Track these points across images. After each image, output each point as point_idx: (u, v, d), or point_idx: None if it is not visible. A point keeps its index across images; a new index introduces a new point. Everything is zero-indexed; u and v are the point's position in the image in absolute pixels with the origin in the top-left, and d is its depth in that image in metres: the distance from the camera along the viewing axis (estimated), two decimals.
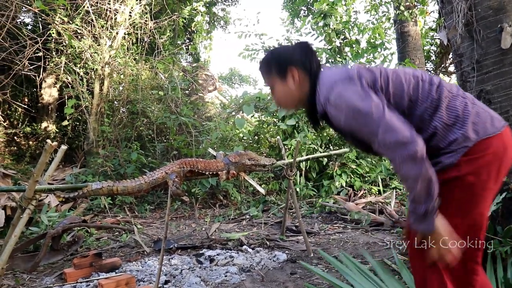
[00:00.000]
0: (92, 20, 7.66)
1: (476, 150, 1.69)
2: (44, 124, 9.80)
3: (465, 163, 1.68)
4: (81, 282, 3.50)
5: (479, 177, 1.69)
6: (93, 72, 7.89)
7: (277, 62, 1.96)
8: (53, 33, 7.40)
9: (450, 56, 12.50)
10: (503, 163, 1.72)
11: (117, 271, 3.76)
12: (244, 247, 4.45)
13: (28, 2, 6.96)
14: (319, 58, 1.98)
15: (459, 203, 1.71)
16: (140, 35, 8.32)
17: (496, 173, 1.71)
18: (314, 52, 1.98)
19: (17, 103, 8.06)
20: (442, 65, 13.45)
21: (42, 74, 7.43)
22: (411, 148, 1.59)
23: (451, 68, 13.20)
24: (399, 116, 1.67)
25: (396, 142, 1.60)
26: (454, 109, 1.75)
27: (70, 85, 7.73)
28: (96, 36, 7.81)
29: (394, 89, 1.77)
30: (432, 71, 13.79)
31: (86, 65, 7.78)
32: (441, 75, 14.07)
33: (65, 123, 8.19)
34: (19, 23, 7.96)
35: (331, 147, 7.59)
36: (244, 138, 8.54)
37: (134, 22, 8.16)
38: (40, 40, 6.73)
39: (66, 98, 7.79)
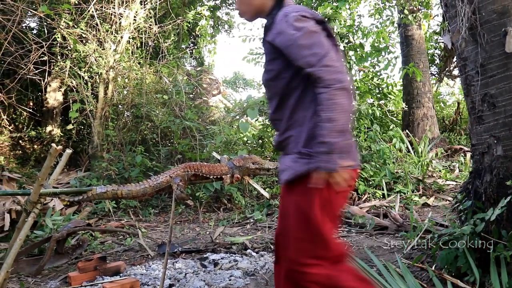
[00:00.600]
0: (97, 24, 7.70)
1: None
2: (49, 128, 9.84)
3: None
4: (85, 286, 3.51)
5: None
6: (97, 76, 7.92)
7: None
8: (58, 37, 7.44)
9: (454, 59, 12.48)
10: None
11: (121, 274, 3.77)
12: (248, 251, 4.45)
13: (34, 6, 7.01)
14: None
15: None
16: (145, 39, 8.35)
17: None
18: None
19: (22, 107, 8.10)
20: (446, 69, 13.44)
21: (47, 78, 7.47)
22: (347, 80, 1.72)
23: (455, 72, 13.19)
24: None
25: (337, 69, 1.71)
26: None
27: (74, 89, 7.77)
28: (100, 40, 7.84)
29: None
30: (436, 75, 13.78)
31: (91, 69, 7.81)
32: (445, 78, 14.06)
33: (70, 127, 8.21)
34: (24, 27, 8.01)
35: None
36: (248, 142, 8.54)
37: (139, 26, 8.19)
38: (45, 44, 6.76)
39: (70, 102, 7.82)
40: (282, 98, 1.91)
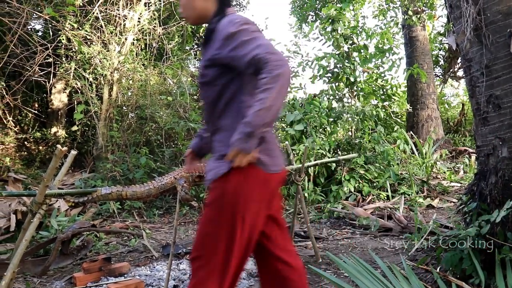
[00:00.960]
0: (101, 26, 7.73)
1: None
2: (54, 129, 9.88)
3: None
4: (90, 287, 3.52)
5: None
6: (102, 77, 7.95)
7: None
8: (63, 39, 7.48)
9: (459, 61, 12.46)
10: None
11: (126, 275, 3.78)
12: None
13: (39, 9, 7.05)
14: None
15: None
16: (149, 40, 8.37)
17: None
18: None
19: (28, 108, 8.14)
20: (451, 70, 13.42)
21: (52, 80, 7.50)
22: (289, 71, 1.76)
23: (460, 73, 13.16)
24: None
25: (282, 58, 1.75)
26: None
27: (79, 91, 7.80)
28: (105, 42, 7.87)
29: None
30: (440, 76, 13.75)
31: (95, 70, 7.84)
32: (449, 80, 14.03)
33: (75, 128, 8.25)
34: (30, 29, 8.06)
35: (339, 152, 7.57)
36: None
37: (143, 28, 8.22)
38: (50, 46, 6.80)
39: (75, 103, 7.85)
40: (212, 103, 1.96)
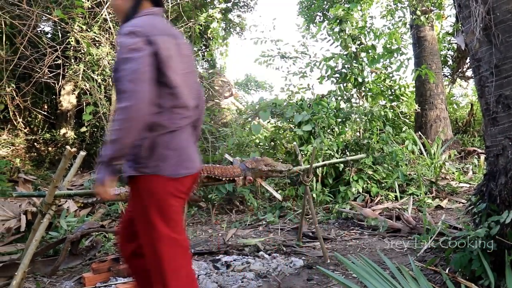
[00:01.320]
0: (109, 27, 7.76)
1: None
2: (63, 131, 9.94)
3: None
4: (99, 287, 3.54)
5: None
6: (110, 79, 7.99)
7: None
8: (72, 41, 7.52)
9: (468, 60, 12.37)
10: None
11: None
12: (261, 253, 4.45)
13: (48, 11, 7.10)
14: None
15: None
16: None
17: None
18: None
19: (37, 110, 8.21)
20: (459, 70, 13.33)
21: (61, 82, 7.55)
22: (141, 104, 1.83)
23: (469, 73, 13.07)
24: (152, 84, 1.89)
25: (138, 91, 1.82)
26: None
27: (88, 92, 7.84)
28: (113, 43, 7.91)
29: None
30: (449, 76, 13.67)
31: (104, 72, 7.88)
32: (458, 80, 13.94)
33: (84, 129, 8.28)
34: (39, 31, 8.11)
35: (347, 153, 7.55)
36: (261, 144, 8.55)
37: None
38: (60, 48, 6.84)
39: (84, 104, 7.89)
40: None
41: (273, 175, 3.97)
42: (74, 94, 9.78)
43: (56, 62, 6.99)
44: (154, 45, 1.92)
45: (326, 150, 7.09)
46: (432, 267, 3.33)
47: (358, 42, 8.43)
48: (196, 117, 2.28)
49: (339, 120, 7.85)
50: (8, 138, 9.16)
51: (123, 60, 1.87)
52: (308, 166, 4.40)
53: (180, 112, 2.06)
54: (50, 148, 9.99)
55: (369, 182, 6.96)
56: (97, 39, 7.72)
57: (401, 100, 9.02)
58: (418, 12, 9.60)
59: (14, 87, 7.66)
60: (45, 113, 9.45)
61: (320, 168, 6.91)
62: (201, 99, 2.36)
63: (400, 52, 8.58)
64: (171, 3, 8.57)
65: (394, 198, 6.79)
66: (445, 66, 13.59)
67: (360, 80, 8.23)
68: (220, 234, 5.56)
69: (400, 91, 8.93)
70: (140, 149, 1.97)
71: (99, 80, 7.84)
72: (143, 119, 1.85)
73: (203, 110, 2.41)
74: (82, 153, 3.28)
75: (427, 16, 9.76)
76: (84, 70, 7.75)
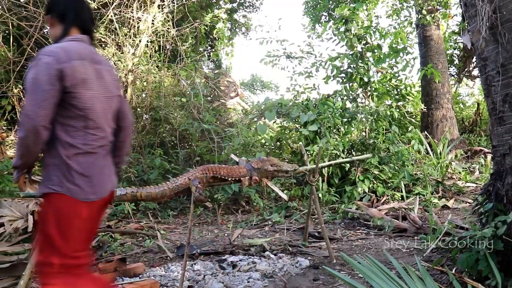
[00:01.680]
0: (115, 28, 7.81)
1: None
2: None
3: None
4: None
5: None
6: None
7: (52, 4, 2.30)
8: None
9: (474, 60, 12.31)
10: None
11: (141, 276, 3.81)
12: (267, 253, 4.46)
13: None
14: (89, 16, 2.32)
15: None
16: (163, 42, 8.43)
17: None
18: (82, 10, 2.27)
19: None
20: (466, 69, 13.27)
21: None
22: (31, 137, 2.02)
23: (475, 72, 13.01)
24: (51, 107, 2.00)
25: (27, 121, 1.98)
26: None
27: None
28: (119, 44, 7.95)
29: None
30: (455, 76, 13.61)
31: None
32: (464, 79, 13.88)
33: None
34: (46, 33, 8.16)
35: (353, 153, 7.54)
36: (266, 144, 8.56)
37: (157, 30, 8.28)
38: None
39: None
40: None
41: (279, 175, 3.97)
42: None
43: None
44: (62, 70, 2.00)
45: (332, 150, 7.09)
46: (438, 267, 3.32)
47: (364, 42, 8.41)
48: (121, 139, 2.36)
49: (345, 120, 7.84)
50: (15, 139, 9.21)
51: (27, 91, 2.01)
52: (314, 166, 4.39)
53: (93, 133, 2.13)
54: None
55: (375, 182, 6.95)
56: (103, 40, 7.76)
57: (407, 99, 8.99)
58: (424, 11, 9.56)
59: (22, 88, 7.70)
60: None
61: (326, 168, 6.91)
62: (127, 122, 2.40)
63: (406, 51, 8.55)
64: (177, 4, 8.59)
65: (400, 198, 6.77)
66: (451, 66, 13.53)
67: (366, 79, 8.22)
68: (226, 234, 5.56)
69: (406, 91, 8.90)
70: (54, 168, 2.12)
71: None
72: (38, 140, 2.04)
73: (129, 133, 2.46)
74: None
75: (433, 15, 9.72)
76: None
